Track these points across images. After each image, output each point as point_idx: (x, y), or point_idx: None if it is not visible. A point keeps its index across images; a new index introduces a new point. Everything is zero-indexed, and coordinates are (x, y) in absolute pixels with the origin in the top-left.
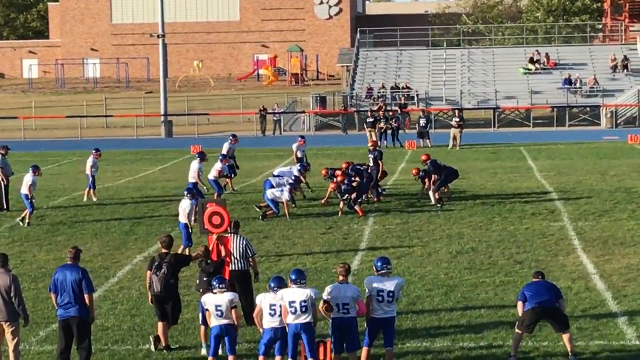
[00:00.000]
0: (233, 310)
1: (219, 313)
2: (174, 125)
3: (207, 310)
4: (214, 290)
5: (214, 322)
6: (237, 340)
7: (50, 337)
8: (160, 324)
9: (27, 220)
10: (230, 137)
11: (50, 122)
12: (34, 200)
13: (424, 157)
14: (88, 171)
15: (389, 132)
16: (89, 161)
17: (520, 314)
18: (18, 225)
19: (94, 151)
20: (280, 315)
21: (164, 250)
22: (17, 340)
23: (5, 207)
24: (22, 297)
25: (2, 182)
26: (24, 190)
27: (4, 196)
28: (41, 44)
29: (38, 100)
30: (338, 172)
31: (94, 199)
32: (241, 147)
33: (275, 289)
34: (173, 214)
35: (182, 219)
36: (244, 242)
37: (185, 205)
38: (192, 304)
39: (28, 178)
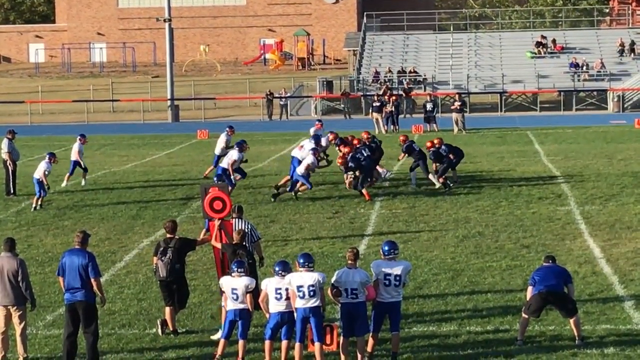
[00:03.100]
0: (248, 295)
1: (235, 297)
2: (181, 110)
3: (223, 292)
4: (232, 274)
5: (230, 305)
6: (249, 325)
7: (57, 322)
8: (167, 309)
9: (34, 205)
10: (227, 129)
11: (57, 107)
12: (47, 188)
13: (428, 144)
14: (74, 157)
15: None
16: (75, 147)
17: (529, 297)
18: (25, 210)
19: (79, 137)
20: (286, 299)
21: (168, 236)
22: (24, 325)
23: (12, 191)
24: (29, 281)
25: (10, 167)
26: (37, 175)
27: (11, 181)
28: (48, 29)
29: (45, 84)
30: (343, 148)
31: (83, 184)
32: (248, 132)
33: (281, 272)
34: (180, 197)
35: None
36: (249, 227)
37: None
38: (199, 288)
39: (43, 165)
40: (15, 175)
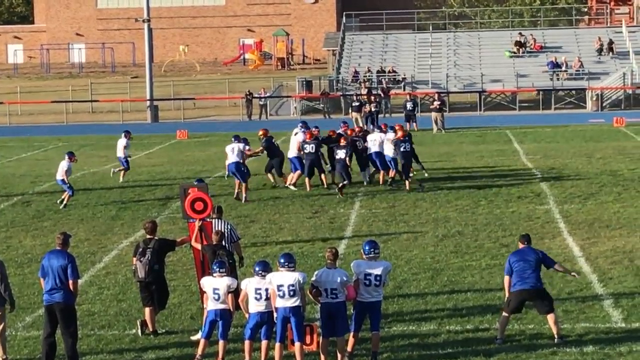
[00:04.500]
0: (230, 295)
1: (216, 297)
2: (160, 110)
3: (204, 293)
4: (214, 274)
5: (211, 305)
6: (230, 325)
7: (36, 323)
8: (147, 310)
9: (65, 202)
10: (124, 133)
11: (36, 107)
12: (69, 187)
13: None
14: (120, 153)
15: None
16: (63, 165)
17: (506, 288)
18: (4, 211)
19: (124, 133)
20: (266, 299)
21: (148, 236)
22: (3, 326)
23: None
24: (8, 282)
25: None
26: (60, 176)
27: None
28: (26, 29)
29: (23, 85)
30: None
31: (120, 180)
32: (228, 132)
33: (261, 273)
34: (159, 197)
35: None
36: (229, 227)
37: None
38: (179, 289)
39: (64, 164)
40: None
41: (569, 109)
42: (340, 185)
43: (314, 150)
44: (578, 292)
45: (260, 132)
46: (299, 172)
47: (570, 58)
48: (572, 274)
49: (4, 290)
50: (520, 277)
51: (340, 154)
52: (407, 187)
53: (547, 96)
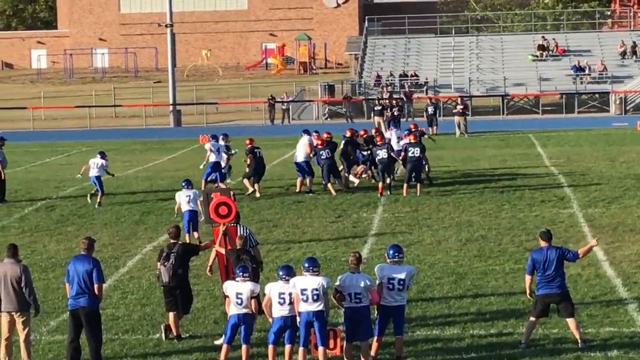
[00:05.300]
0: (253, 300)
1: (239, 301)
2: (183, 115)
3: (227, 297)
4: (237, 278)
5: (233, 310)
6: (253, 330)
7: (60, 327)
8: (171, 314)
9: (98, 201)
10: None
11: (59, 112)
12: (97, 189)
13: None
14: (96, 173)
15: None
16: (97, 162)
17: (527, 286)
18: (28, 216)
19: (99, 154)
20: (290, 303)
21: (172, 241)
22: (28, 331)
23: (3, 198)
24: (32, 287)
25: (2, 175)
26: (98, 173)
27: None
28: (50, 34)
29: (47, 90)
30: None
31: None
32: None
33: (285, 277)
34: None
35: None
36: (247, 232)
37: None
38: (202, 293)
39: (97, 161)
40: (4, 183)
41: (592, 113)
42: (382, 184)
43: (330, 155)
44: (602, 297)
45: (247, 142)
46: (300, 179)
47: (593, 61)
48: (594, 242)
49: (28, 295)
50: (545, 280)
51: (382, 153)
52: (418, 192)
53: (570, 100)
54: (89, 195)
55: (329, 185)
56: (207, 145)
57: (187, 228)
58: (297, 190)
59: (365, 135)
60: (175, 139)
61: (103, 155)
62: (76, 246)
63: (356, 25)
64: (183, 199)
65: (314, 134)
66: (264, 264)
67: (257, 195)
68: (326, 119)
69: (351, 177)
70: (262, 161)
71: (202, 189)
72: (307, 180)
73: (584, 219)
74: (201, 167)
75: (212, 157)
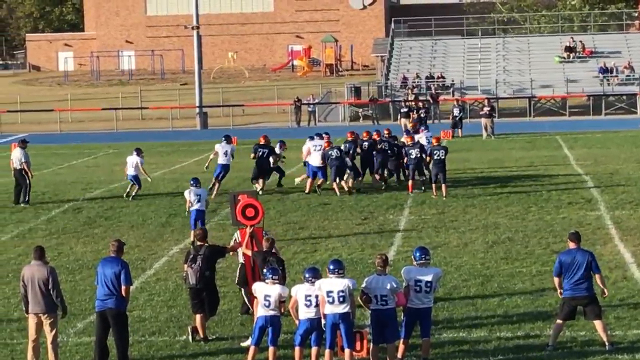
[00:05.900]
0: (281, 304)
1: (267, 303)
2: (209, 117)
3: (255, 298)
4: (266, 281)
5: (261, 311)
6: (280, 332)
7: (87, 329)
8: (197, 316)
9: (132, 193)
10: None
11: (86, 115)
12: (135, 185)
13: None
14: (134, 172)
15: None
16: (133, 160)
17: (557, 286)
18: (55, 218)
19: (135, 151)
20: (316, 306)
21: (198, 243)
22: (55, 332)
23: (27, 199)
24: (59, 289)
25: (29, 177)
26: (135, 172)
27: (29, 190)
28: (76, 37)
29: (74, 92)
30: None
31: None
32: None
33: (311, 279)
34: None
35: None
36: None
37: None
38: (229, 295)
39: (134, 159)
40: (31, 184)
41: (620, 115)
42: (411, 183)
43: (339, 155)
44: (630, 299)
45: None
46: (310, 179)
47: (621, 63)
48: (604, 296)
49: (55, 297)
50: (572, 283)
51: (414, 153)
52: (444, 193)
53: (597, 102)
54: (125, 194)
55: (334, 184)
56: (217, 146)
57: (193, 227)
58: (307, 191)
59: (367, 137)
60: (202, 141)
61: (139, 152)
62: (103, 248)
63: (382, 27)
64: (193, 198)
65: (324, 135)
66: (290, 266)
67: (259, 191)
68: (351, 121)
69: (296, 180)
70: (264, 161)
71: (211, 187)
72: (320, 182)
73: (612, 221)
74: (205, 168)
75: (221, 159)
